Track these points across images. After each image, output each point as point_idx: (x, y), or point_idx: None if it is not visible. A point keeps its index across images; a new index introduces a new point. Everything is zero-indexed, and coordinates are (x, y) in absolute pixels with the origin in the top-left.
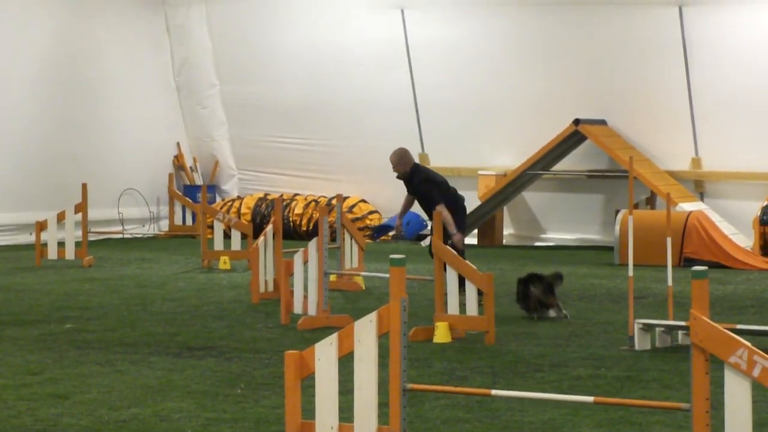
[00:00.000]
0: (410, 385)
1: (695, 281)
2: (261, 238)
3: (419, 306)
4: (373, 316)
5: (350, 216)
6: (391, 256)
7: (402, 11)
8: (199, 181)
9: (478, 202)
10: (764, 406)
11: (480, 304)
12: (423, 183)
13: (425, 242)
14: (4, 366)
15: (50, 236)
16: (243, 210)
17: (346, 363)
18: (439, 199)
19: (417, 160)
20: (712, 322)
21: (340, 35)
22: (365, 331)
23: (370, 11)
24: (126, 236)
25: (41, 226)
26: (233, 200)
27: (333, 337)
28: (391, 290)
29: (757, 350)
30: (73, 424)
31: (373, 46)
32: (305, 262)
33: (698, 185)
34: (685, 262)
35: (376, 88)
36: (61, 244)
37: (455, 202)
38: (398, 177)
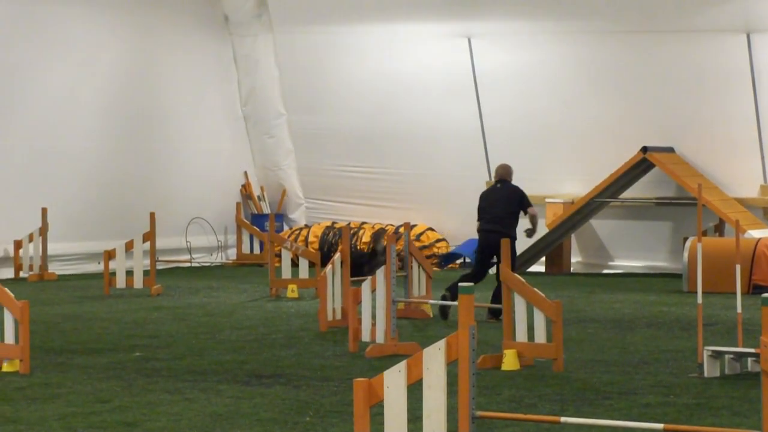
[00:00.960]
0: (479, 413)
1: (765, 308)
2: (329, 267)
3: (487, 333)
4: (441, 344)
5: (418, 244)
6: (460, 284)
7: (469, 40)
8: (266, 210)
9: (546, 230)
10: None
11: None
12: None
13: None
14: (74, 394)
15: (119, 265)
16: (311, 238)
17: (414, 390)
18: None
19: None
20: None
21: (408, 64)
22: (434, 358)
23: (437, 41)
24: (194, 265)
25: (110, 255)
26: (301, 229)
27: (402, 365)
28: (460, 318)
29: None
30: None
31: (440, 74)
32: (373, 290)
33: (767, 212)
34: (754, 289)
35: (444, 116)
36: (129, 273)
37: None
38: None
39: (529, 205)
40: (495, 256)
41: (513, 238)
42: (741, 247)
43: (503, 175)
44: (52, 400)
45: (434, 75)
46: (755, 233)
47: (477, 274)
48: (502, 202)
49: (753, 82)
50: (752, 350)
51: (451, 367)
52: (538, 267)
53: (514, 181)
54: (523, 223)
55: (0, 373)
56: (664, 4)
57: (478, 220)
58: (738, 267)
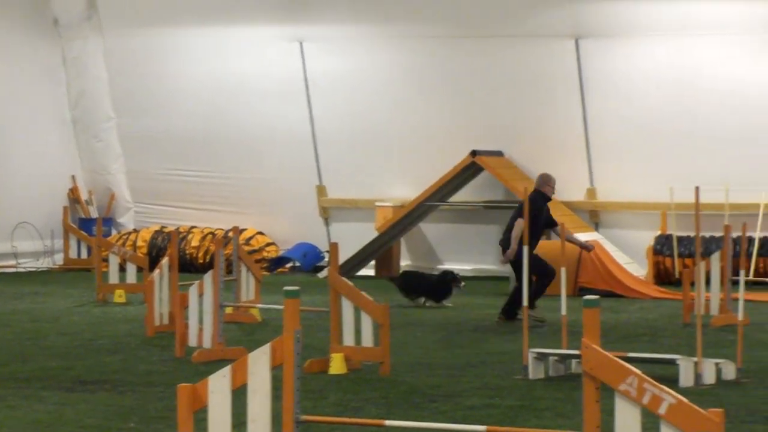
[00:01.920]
0: (304, 417)
1: (587, 310)
2: (156, 271)
3: (314, 338)
4: (266, 348)
5: (247, 248)
6: (285, 288)
7: (301, 44)
8: (94, 215)
9: (375, 234)
10: None
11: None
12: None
13: (322, 274)
14: None
15: None
16: (139, 243)
17: (240, 395)
18: None
19: (315, 192)
20: (602, 350)
21: (240, 68)
22: (259, 363)
23: (269, 44)
24: (20, 270)
25: None
26: (129, 233)
27: (226, 370)
28: (285, 322)
29: (647, 378)
30: None
31: (272, 78)
32: (201, 295)
33: (593, 215)
34: (580, 291)
35: (275, 120)
36: None
37: None
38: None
39: (516, 216)
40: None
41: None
42: (567, 250)
43: (535, 184)
44: None
45: (266, 79)
46: (581, 236)
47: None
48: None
49: (581, 87)
50: (575, 352)
51: (278, 371)
52: (368, 271)
53: (345, 186)
54: None
55: None
56: (493, 9)
57: None
58: (564, 270)
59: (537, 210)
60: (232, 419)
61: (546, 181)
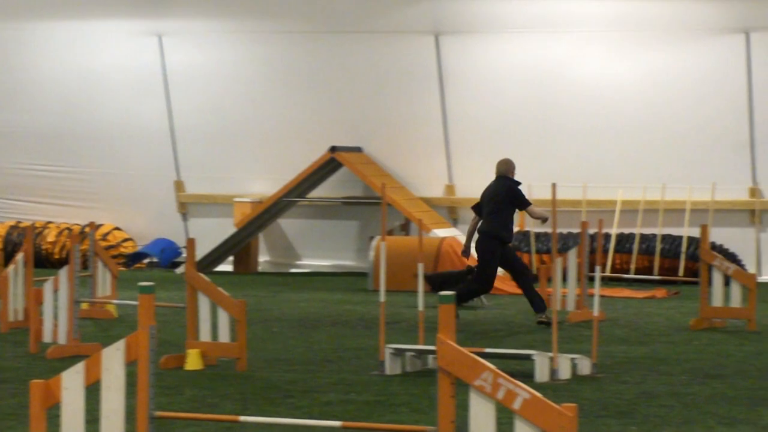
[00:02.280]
0: (158, 413)
1: (442, 306)
2: (11, 267)
3: (172, 333)
4: (120, 344)
5: (104, 244)
6: (140, 283)
7: (159, 38)
8: None
9: (234, 230)
10: (508, 428)
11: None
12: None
13: (180, 269)
14: None
15: None
16: None
17: (94, 391)
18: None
19: (173, 188)
20: (457, 346)
21: (97, 62)
22: (113, 359)
23: (127, 38)
24: None
25: None
26: None
27: (80, 366)
28: (140, 318)
29: (502, 373)
30: None
31: (130, 72)
32: (56, 291)
33: (452, 212)
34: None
35: (133, 114)
36: None
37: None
38: None
39: (527, 204)
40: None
41: (500, 239)
42: (425, 245)
43: (500, 171)
44: None
45: (124, 73)
46: (440, 232)
47: (488, 279)
48: (492, 200)
49: (440, 84)
50: (432, 347)
51: (132, 367)
52: (226, 266)
53: (203, 181)
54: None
55: None
56: (354, 5)
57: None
58: (421, 265)
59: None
60: (85, 415)
61: (512, 167)
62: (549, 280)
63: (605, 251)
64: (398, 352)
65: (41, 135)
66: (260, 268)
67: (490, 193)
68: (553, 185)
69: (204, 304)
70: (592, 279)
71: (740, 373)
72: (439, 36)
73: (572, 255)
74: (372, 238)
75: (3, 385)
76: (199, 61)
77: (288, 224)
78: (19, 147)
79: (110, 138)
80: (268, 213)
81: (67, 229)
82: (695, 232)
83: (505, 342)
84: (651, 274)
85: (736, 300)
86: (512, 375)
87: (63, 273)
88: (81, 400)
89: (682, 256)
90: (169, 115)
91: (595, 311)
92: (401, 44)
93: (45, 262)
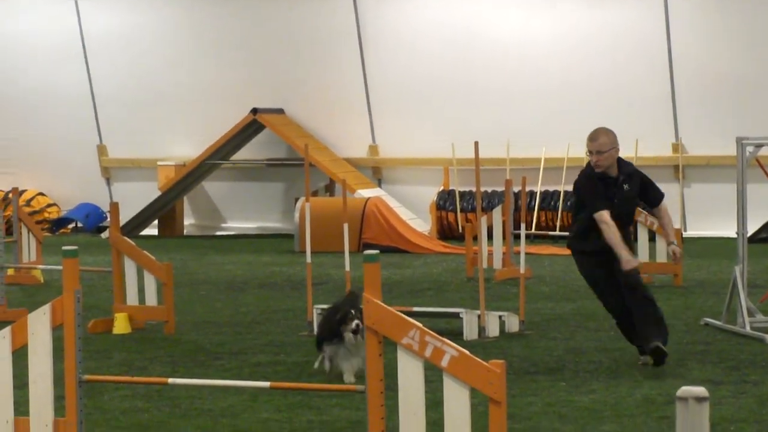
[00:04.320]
0: (86, 377)
1: (367, 265)
2: None
3: (100, 298)
4: (46, 308)
5: (27, 209)
6: (64, 247)
7: (76, 2)
8: None
9: (158, 193)
10: (438, 386)
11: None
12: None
13: (105, 234)
14: None
15: None
16: None
17: (23, 356)
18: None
19: (96, 152)
20: (383, 305)
21: (13, 26)
22: (39, 323)
23: (42, 2)
24: None
25: None
26: None
27: (5, 331)
28: (65, 282)
29: (429, 331)
30: None
31: (47, 37)
32: None
33: (376, 172)
34: (364, 247)
35: (52, 79)
36: None
37: None
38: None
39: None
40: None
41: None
42: (350, 206)
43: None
44: None
45: (41, 37)
46: (365, 192)
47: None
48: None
49: (360, 44)
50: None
51: (59, 331)
52: (151, 230)
53: (126, 146)
54: None
55: None
56: None
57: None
58: (346, 226)
59: None
60: (14, 380)
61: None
62: (475, 238)
63: (530, 209)
64: None
65: None
66: (186, 232)
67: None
68: (476, 143)
69: (130, 267)
70: (517, 237)
71: (668, 328)
72: None
73: (497, 213)
74: (297, 199)
75: None
76: (118, 24)
77: (212, 187)
78: None
79: (31, 103)
80: (191, 176)
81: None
82: None
83: (432, 301)
84: None
85: (661, 256)
86: (441, 333)
87: None
88: (8, 366)
89: None
90: (89, 79)
91: (522, 268)
92: (320, 5)
93: None
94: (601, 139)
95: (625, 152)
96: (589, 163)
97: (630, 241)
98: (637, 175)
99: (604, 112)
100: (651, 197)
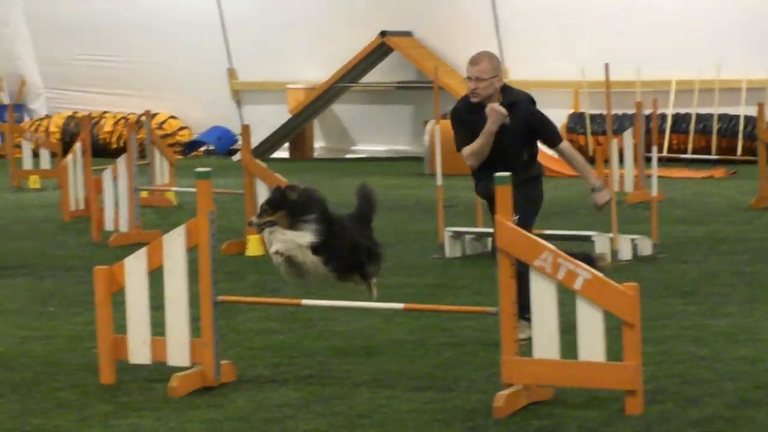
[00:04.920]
0: (221, 298)
1: (499, 187)
2: (69, 156)
3: (232, 220)
4: (181, 230)
5: (160, 133)
6: (197, 169)
7: None
8: (6, 101)
9: (288, 116)
10: (570, 309)
11: None
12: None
13: (236, 157)
14: None
15: None
16: (52, 129)
17: (159, 278)
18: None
19: (226, 75)
20: (516, 227)
21: None
22: (174, 244)
23: None
24: None
25: None
26: (42, 119)
27: (141, 252)
28: (199, 203)
29: (562, 253)
30: None
31: None
32: (115, 179)
33: None
34: None
35: (182, 3)
36: None
37: None
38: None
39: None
40: None
41: None
42: None
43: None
44: None
45: None
46: None
47: None
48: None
49: None
50: (491, 230)
51: (194, 253)
52: (282, 153)
53: (256, 69)
54: None
55: None
56: None
57: None
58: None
59: None
60: (150, 301)
61: None
62: (606, 161)
63: (661, 132)
64: (457, 235)
65: (95, 25)
66: (316, 155)
67: None
68: (606, 65)
69: (262, 190)
70: (649, 160)
71: None
72: None
73: (628, 136)
74: (426, 122)
75: (68, 273)
76: None
77: (342, 110)
78: (72, 38)
79: (162, 27)
80: (321, 99)
81: (123, 118)
82: (752, 111)
83: (564, 224)
84: (708, 154)
85: None
86: (573, 257)
87: (121, 162)
88: (145, 286)
89: (740, 136)
90: (218, 3)
91: (654, 191)
92: None
93: (102, 152)
94: (483, 64)
95: (757, 74)
96: (465, 96)
97: (527, 182)
98: (524, 106)
99: (737, 34)
100: (542, 137)
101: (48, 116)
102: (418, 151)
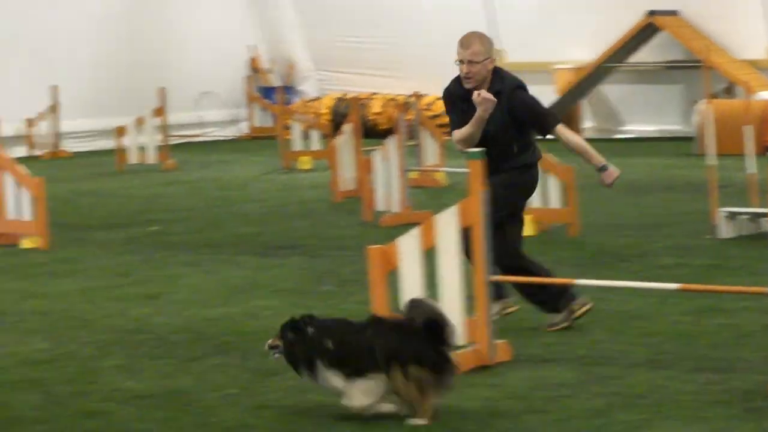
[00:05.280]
0: (494, 277)
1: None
2: (339, 137)
3: None
4: (454, 210)
5: (428, 113)
6: (469, 149)
7: None
8: (274, 83)
9: (556, 96)
10: None
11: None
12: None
13: None
14: (94, 269)
15: (131, 141)
16: (322, 110)
17: (431, 257)
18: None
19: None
20: None
21: None
22: (447, 224)
23: None
24: (206, 139)
25: (121, 132)
26: (312, 101)
27: (415, 231)
28: (471, 183)
29: None
30: (166, 323)
31: None
32: (385, 160)
33: None
34: (765, 150)
35: None
36: (141, 149)
37: None
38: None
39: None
40: None
41: None
42: (752, 108)
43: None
44: (72, 274)
45: None
46: (766, 95)
47: None
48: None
49: None
50: (767, 210)
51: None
52: None
53: (524, 49)
54: None
55: (20, 250)
56: None
57: None
58: (749, 128)
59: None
60: (423, 280)
61: None
62: None
63: None
64: (732, 216)
65: (362, 7)
66: (584, 135)
67: None
68: None
69: None
70: None
71: None
72: None
73: None
74: (696, 102)
75: (341, 252)
76: None
77: (610, 90)
78: (340, 21)
79: (429, 8)
80: (589, 79)
81: (392, 99)
82: None
83: None
84: None
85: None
86: None
87: (391, 142)
88: (418, 265)
89: None
90: None
91: None
92: None
93: (371, 133)
94: (475, 46)
95: None
96: (457, 77)
97: (513, 168)
98: (507, 95)
99: None
100: (530, 126)
101: (318, 98)
102: (687, 131)
